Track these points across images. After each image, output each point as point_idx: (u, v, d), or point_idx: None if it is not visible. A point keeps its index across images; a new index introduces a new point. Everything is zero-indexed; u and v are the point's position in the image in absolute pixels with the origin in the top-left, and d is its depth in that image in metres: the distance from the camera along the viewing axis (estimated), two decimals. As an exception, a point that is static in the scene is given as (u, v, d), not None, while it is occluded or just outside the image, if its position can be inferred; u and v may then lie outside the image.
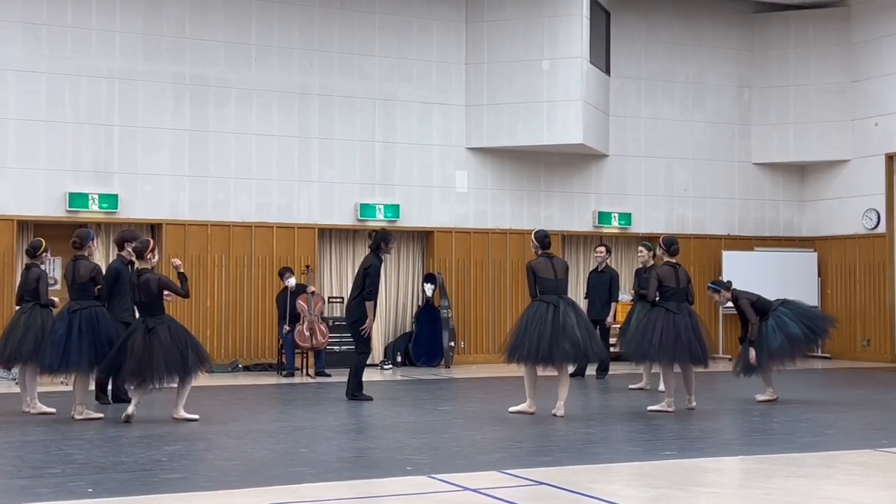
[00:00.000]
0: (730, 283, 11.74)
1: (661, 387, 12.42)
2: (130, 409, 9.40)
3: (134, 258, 10.03)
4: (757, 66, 18.47)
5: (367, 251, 11.70)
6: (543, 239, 10.29)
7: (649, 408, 10.50)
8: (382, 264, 11.58)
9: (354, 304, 11.44)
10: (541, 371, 10.13)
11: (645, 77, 17.83)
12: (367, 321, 11.30)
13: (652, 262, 13.00)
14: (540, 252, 10.22)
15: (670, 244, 10.86)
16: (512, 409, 10.23)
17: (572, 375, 13.70)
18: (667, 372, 10.58)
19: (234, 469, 7.26)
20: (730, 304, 11.68)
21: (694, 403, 10.50)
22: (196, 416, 9.59)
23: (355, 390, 11.42)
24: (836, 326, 12.13)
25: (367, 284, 11.26)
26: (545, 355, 9.76)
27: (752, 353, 11.06)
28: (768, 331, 11.25)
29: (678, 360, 10.37)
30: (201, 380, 13.79)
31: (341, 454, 8.04)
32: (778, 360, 11.31)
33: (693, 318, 10.56)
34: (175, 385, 9.72)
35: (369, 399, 11.31)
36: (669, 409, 10.34)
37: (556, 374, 10.07)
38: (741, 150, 18.43)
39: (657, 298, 10.53)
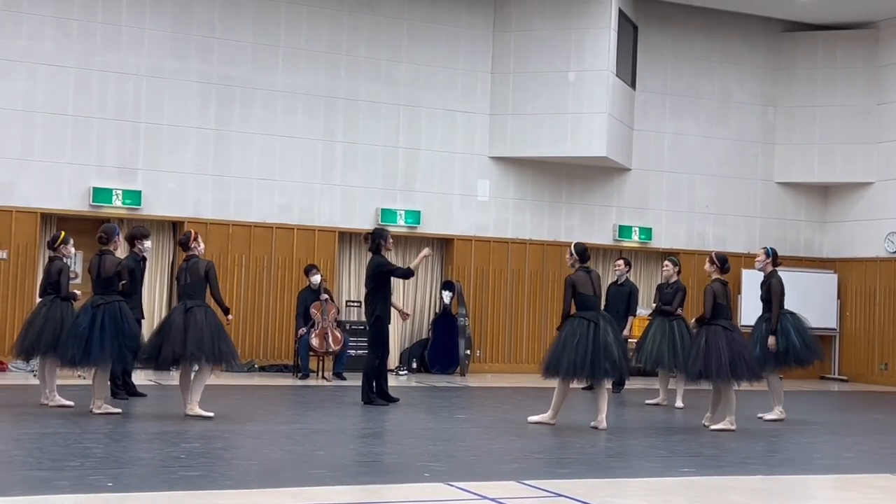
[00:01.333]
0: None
1: (679, 402, 12.45)
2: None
3: (183, 247, 10.01)
4: (783, 85, 18.43)
5: (369, 254, 11.53)
6: (584, 253, 10.27)
7: (712, 427, 10.39)
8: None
9: (370, 307, 11.38)
10: (574, 384, 10.14)
11: (670, 92, 17.82)
12: (404, 311, 11.98)
13: (676, 277, 12.96)
14: (578, 266, 10.18)
15: (724, 261, 10.79)
16: (532, 418, 10.21)
17: (586, 389, 13.70)
18: (728, 389, 10.47)
19: (252, 469, 7.27)
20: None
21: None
22: (211, 414, 9.59)
23: (366, 398, 11.34)
24: (822, 360, 12.03)
25: (394, 272, 11.31)
26: (587, 373, 9.81)
27: (772, 339, 11.02)
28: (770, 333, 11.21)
29: (739, 378, 10.37)
30: (217, 378, 13.86)
31: (358, 458, 8.05)
32: (773, 364, 11.20)
33: (741, 335, 10.67)
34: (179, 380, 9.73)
35: (389, 402, 11.35)
36: (732, 428, 10.31)
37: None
38: (764, 168, 18.38)
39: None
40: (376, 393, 11.42)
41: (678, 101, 17.86)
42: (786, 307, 11.50)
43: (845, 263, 18.33)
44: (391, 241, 11.50)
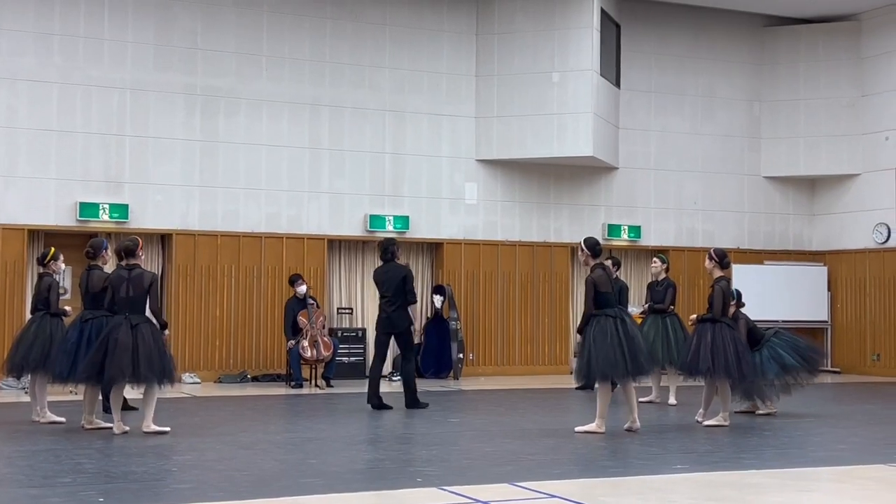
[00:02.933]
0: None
1: (672, 399, 12.46)
2: (117, 428, 9.31)
3: (123, 255, 9.55)
4: (767, 79, 18.46)
5: (381, 262, 11.82)
6: (595, 247, 9.92)
7: (705, 423, 10.40)
8: None
9: (397, 313, 11.56)
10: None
11: (655, 90, 17.84)
12: (416, 325, 11.92)
13: (665, 274, 12.95)
14: (592, 262, 9.88)
15: (724, 256, 10.73)
16: (579, 428, 9.76)
17: (582, 388, 13.70)
18: (724, 387, 10.47)
19: (244, 480, 7.24)
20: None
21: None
22: (167, 429, 9.35)
23: (413, 401, 11.57)
24: (822, 358, 12.04)
25: (409, 291, 11.58)
26: (635, 368, 9.61)
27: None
28: (763, 361, 11.19)
29: (745, 376, 10.39)
30: (210, 390, 13.84)
31: (351, 465, 8.02)
32: (775, 389, 11.23)
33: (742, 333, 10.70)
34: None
35: (426, 406, 11.57)
36: (725, 423, 10.31)
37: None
38: (751, 163, 18.41)
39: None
40: (374, 399, 11.55)
41: (663, 98, 17.88)
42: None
43: (835, 256, 18.37)
44: (400, 251, 12.16)
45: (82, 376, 9.35)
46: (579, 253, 10.13)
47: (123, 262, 9.49)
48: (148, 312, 9.47)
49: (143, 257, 10.38)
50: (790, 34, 18.36)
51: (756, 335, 11.31)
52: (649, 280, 13.47)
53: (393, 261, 11.68)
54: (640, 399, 12.50)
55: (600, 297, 9.73)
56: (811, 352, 11.59)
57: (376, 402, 11.55)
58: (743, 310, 11.39)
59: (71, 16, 14.48)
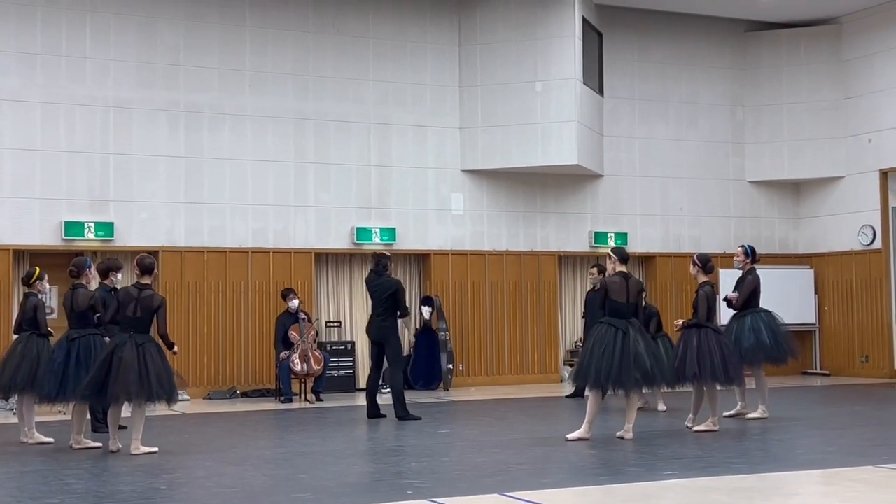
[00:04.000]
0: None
1: (661, 406, 12.48)
2: (113, 445, 9.29)
3: (138, 273, 9.52)
4: (749, 84, 18.54)
5: (371, 273, 12.10)
6: (622, 254, 10.00)
7: (695, 428, 10.42)
8: None
9: (386, 324, 11.82)
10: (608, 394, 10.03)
11: (638, 97, 17.89)
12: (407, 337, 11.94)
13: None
14: (617, 269, 9.91)
15: (707, 261, 10.77)
16: (569, 436, 9.79)
17: (573, 396, 13.72)
18: (712, 391, 10.50)
19: (234, 496, 7.23)
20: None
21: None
22: (155, 449, 9.28)
23: (404, 413, 11.65)
24: (796, 358, 12.02)
25: (401, 304, 11.86)
26: (615, 381, 9.57)
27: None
28: (744, 329, 11.28)
29: (732, 380, 10.46)
30: (199, 406, 13.80)
31: (342, 479, 8.01)
32: (745, 361, 11.24)
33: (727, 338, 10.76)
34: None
35: (418, 418, 11.64)
36: (715, 428, 10.32)
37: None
38: (736, 168, 18.47)
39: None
40: (372, 410, 11.80)
41: (646, 105, 17.94)
42: (761, 305, 11.58)
43: (821, 258, 18.43)
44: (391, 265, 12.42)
45: (84, 393, 9.29)
46: (607, 261, 10.17)
47: (138, 280, 9.44)
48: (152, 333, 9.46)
49: (120, 278, 10.35)
50: (772, 39, 18.45)
51: (755, 300, 11.41)
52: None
53: (385, 274, 11.91)
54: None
55: (611, 304, 9.77)
56: (787, 342, 11.58)
57: (372, 412, 11.75)
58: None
59: (53, 35, 14.47)
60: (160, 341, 9.41)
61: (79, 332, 9.60)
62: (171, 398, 9.34)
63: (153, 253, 14.90)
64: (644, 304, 11.63)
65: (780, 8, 17.53)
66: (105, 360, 9.17)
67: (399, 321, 12.11)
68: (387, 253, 12.63)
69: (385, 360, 11.99)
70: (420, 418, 11.70)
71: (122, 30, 14.83)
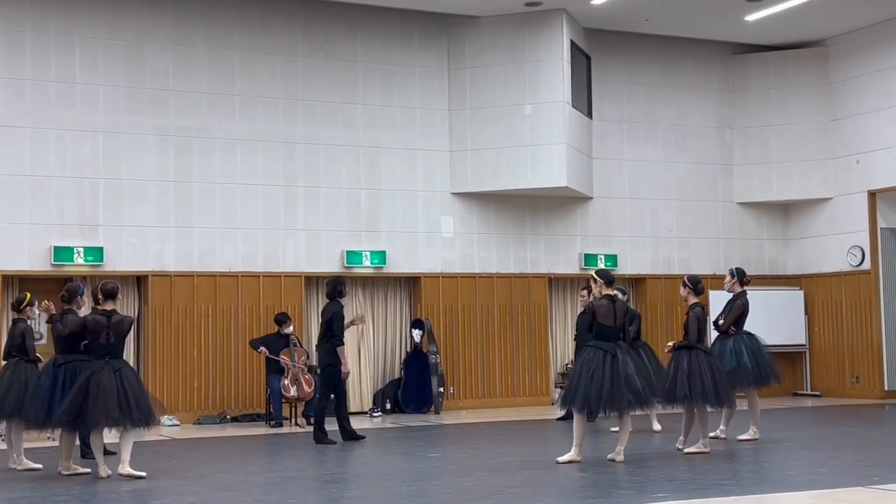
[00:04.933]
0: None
1: (656, 426, 12.50)
2: (102, 471, 9.24)
3: (101, 299, 9.51)
4: (737, 106, 18.64)
5: (326, 300, 12.41)
6: (607, 276, 10.00)
7: (686, 450, 10.41)
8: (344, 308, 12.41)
9: (324, 351, 12.10)
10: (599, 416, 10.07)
11: (627, 119, 17.96)
12: (344, 367, 12.00)
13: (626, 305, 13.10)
14: (603, 291, 9.94)
15: (697, 283, 10.78)
16: (560, 458, 9.76)
17: (564, 418, 13.69)
18: (702, 413, 10.50)
19: (223, 522, 7.19)
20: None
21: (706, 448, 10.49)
22: (143, 474, 9.23)
23: (318, 437, 11.90)
24: (778, 381, 12.01)
25: (335, 331, 11.98)
26: (607, 403, 9.57)
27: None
28: (725, 351, 11.30)
29: (722, 402, 10.47)
30: (189, 431, 13.74)
31: (331, 504, 7.98)
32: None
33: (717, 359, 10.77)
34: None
35: (333, 443, 11.76)
36: (705, 450, 10.32)
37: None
38: (724, 189, 18.54)
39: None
40: (315, 436, 11.97)
41: (635, 127, 18.01)
42: (750, 328, 11.62)
43: (810, 279, 18.48)
44: (346, 290, 12.57)
45: (61, 419, 9.26)
46: (592, 284, 10.15)
47: (101, 307, 9.44)
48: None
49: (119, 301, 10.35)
50: (759, 61, 18.56)
51: (740, 323, 11.46)
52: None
53: (336, 300, 12.15)
54: (613, 429, 12.48)
55: (598, 327, 9.78)
56: (770, 366, 11.58)
57: (319, 437, 11.94)
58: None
59: (41, 61, 14.48)
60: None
61: (65, 357, 9.57)
62: (149, 422, 9.33)
63: (143, 277, 14.90)
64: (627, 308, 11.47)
65: (767, 31, 17.65)
66: (81, 387, 9.17)
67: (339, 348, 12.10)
68: (335, 278, 12.66)
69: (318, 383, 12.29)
70: (335, 443, 11.79)
71: (111, 55, 14.85)
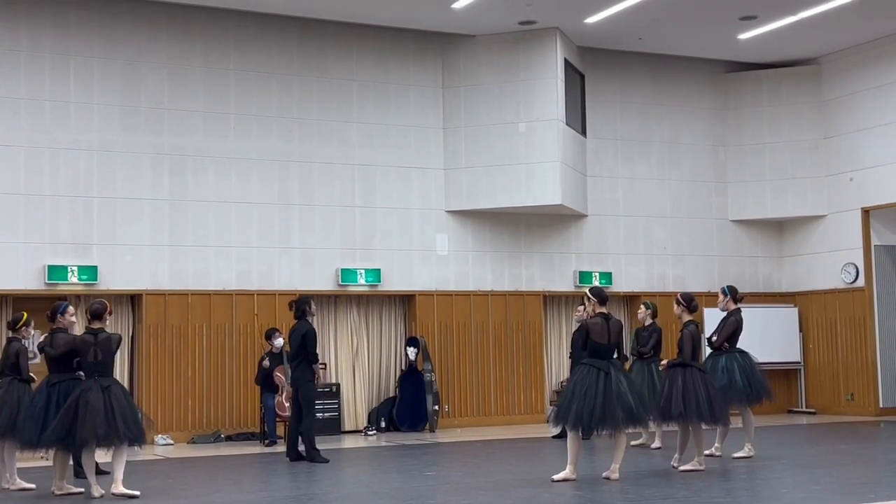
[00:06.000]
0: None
1: (656, 443, 12.51)
2: (95, 491, 9.20)
3: (89, 318, 9.60)
4: (731, 124, 18.70)
5: (294, 320, 12.35)
6: (601, 294, 10.00)
7: (681, 468, 10.40)
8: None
9: (299, 370, 12.10)
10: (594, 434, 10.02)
11: (621, 137, 18.02)
12: (317, 384, 12.21)
13: (651, 320, 13.18)
14: (597, 310, 9.95)
15: (691, 300, 10.81)
16: (555, 477, 9.72)
17: (559, 436, 13.66)
18: (697, 431, 10.50)
19: (217, 541, 7.16)
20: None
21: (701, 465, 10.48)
22: (137, 493, 9.19)
23: (313, 454, 11.86)
24: (770, 399, 11.99)
25: (310, 349, 12.03)
26: (600, 421, 9.55)
27: None
28: (717, 368, 11.31)
29: (717, 420, 10.50)
30: (183, 451, 13.70)
31: (326, 523, 7.95)
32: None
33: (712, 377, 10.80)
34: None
35: (327, 461, 11.77)
36: (700, 468, 10.30)
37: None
38: (718, 207, 18.58)
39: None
40: (291, 452, 12.05)
41: (629, 145, 18.06)
42: (744, 345, 11.63)
43: (805, 296, 18.49)
44: (315, 308, 12.54)
45: (51, 438, 9.24)
46: (586, 302, 10.17)
47: (88, 325, 9.48)
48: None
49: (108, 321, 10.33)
50: (752, 79, 18.63)
51: (733, 340, 11.47)
52: (636, 326, 13.57)
53: (304, 318, 12.15)
54: (632, 442, 12.50)
55: (592, 345, 9.78)
56: (761, 385, 11.57)
57: (293, 455, 11.98)
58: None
59: (36, 79, 14.49)
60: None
61: (59, 376, 9.54)
62: (138, 439, 9.34)
63: (137, 296, 14.87)
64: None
65: (761, 49, 17.72)
66: (71, 406, 9.18)
67: (313, 366, 12.17)
68: (301, 296, 12.55)
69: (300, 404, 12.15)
70: (328, 461, 11.78)
71: (106, 74, 14.87)
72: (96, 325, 9.51)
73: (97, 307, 9.63)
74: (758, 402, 11.69)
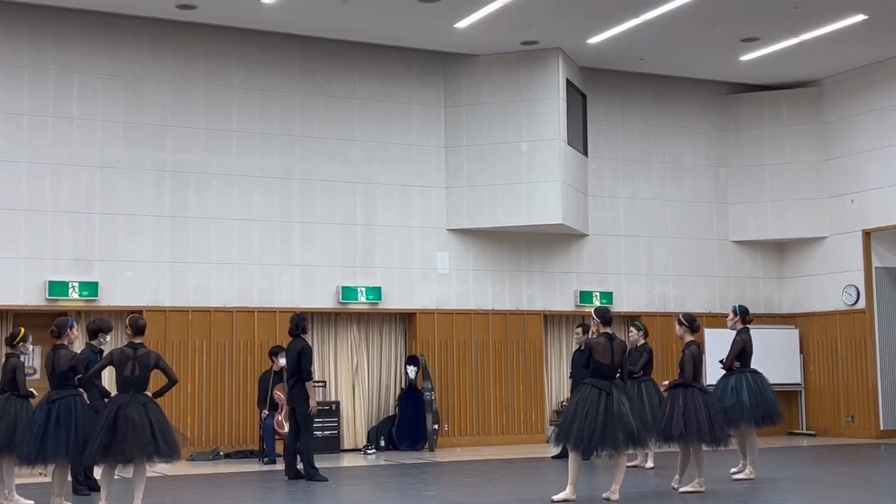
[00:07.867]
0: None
1: (650, 463, 12.48)
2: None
3: (130, 333, 9.59)
4: (732, 145, 18.73)
5: (290, 337, 12.27)
6: (605, 315, 10.03)
7: (681, 489, 10.37)
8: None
9: (294, 389, 12.04)
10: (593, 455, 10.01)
11: (622, 157, 18.04)
12: (312, 403, 11.99)
13: (643, 341, 13.17)
14: (601, 330, 9.98)
15: (693, 321, 10.82)
16: (555, 497, 9.72)
17: (559, 456, 13.64)
18: (698, 452, 10.49)
19: (215, 560, 7.13)
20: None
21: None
22: None
23: (312, 472, 11.86)
24: (781, 420, 11.94)
25: (304, 366, 11.96)
26: (600, 442, 9.54)
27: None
28: (727, 388, 11.30)
29: (718, 441, 10.45)
30: (181, 468, 13.66)
31: (325, 543, 7.92)
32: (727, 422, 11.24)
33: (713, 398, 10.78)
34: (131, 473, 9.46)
35: (325, 479, 11.76)
36: (701, 489, 10.28)
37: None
38: (719, 228, 18.59)
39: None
40: (290, 471, 12.04)
41: (630, 165, 18.08)
42: (751, 366, 11.62)
43: (805, 318, 18.48)
44: (309, 326, 12.50)
45: (96, 457, 9.18)
46: (591, 323, 10.18)
47: (130, 340, 9.50)
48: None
49: (109, 339, 10.35)
50: (753, 101, 18.67)
51: (745, 360, 11.44)
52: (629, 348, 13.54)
53: (299, 336, 12.12)
54: (627, 463, 12.46)
55: (595, 365, 9.78)
56: (771, 407, 11.54)
57: (291, 473, 12.00)
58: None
59: (39, 95, 14.53)
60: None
61: (59, 393, 9.52)
62: (176, 455, 9.32)
63: (138, 312, 14.86)
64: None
65: (762, 71, 17.77)
66: (108, 421, 9.09)
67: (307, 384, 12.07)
68: (297, 314, 12.49)
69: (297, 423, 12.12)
70: (327, 479, 11.77)
71: (110, 90, 14.90)
72: (137, 340, 9.49)
73: (140, 322, 9.63)
74: (768, 424, 11.65)
